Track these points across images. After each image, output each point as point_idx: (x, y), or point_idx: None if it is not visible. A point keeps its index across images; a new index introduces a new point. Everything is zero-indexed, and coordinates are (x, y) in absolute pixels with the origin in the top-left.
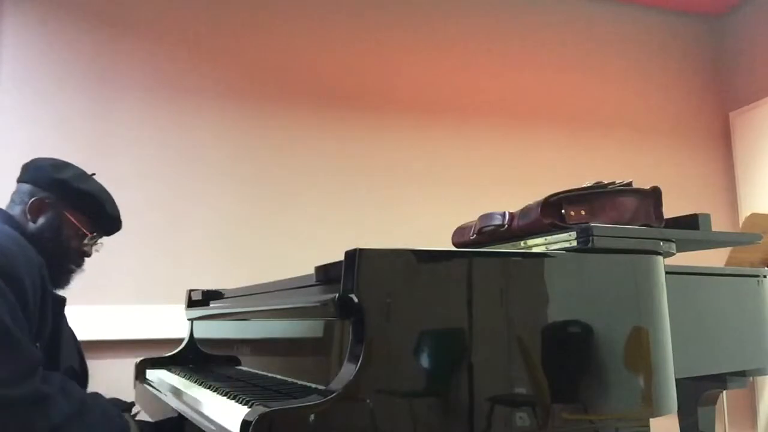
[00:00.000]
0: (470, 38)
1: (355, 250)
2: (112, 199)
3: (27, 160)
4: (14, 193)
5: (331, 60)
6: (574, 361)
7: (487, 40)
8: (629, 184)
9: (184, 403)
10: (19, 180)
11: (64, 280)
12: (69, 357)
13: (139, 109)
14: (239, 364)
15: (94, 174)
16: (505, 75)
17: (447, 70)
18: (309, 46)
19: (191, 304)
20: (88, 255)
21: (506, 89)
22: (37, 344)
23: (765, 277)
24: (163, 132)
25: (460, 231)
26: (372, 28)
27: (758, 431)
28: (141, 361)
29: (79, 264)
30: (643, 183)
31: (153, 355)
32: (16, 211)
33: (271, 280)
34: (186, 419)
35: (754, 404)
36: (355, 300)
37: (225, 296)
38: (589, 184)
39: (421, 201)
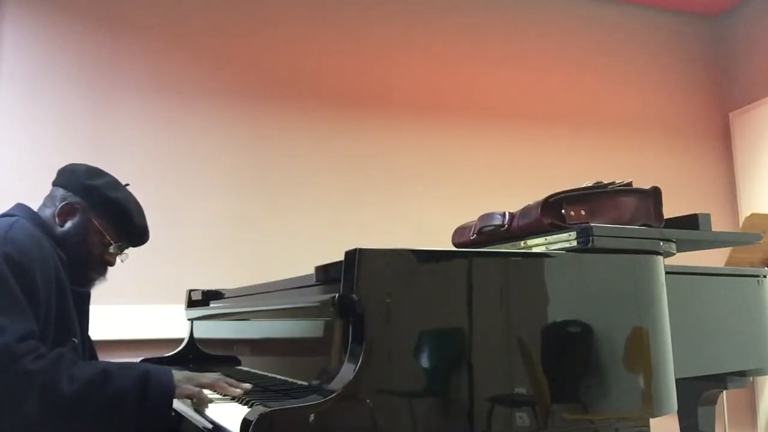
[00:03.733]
0: (470, 38)
1: (355, 250)
2: (141, 211)
3: (27, 159)
4: (47, 197)
5: (332, 60)
6: (574, 361)
7: (488, 40)
8: (629, 184)
9: (184, 402)
10: (54, 183)
11: (84, 286)
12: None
13: (139, 108)
14: (239, 364)
15: (128, 185)
16: (505, 75)
17: (447, 70)
18: (309, 47)
19: (191, 304)
20: (111, 264)
21: (506, 89)
22: (74, 339)
23: (765, 277)
24: (164, 132)
25: (460, 231)
26: (372, 28)
27: (758, 431)
28: (141, 361)
29: (102, 272)
30: (643, 183)
31: (153, 355)
32: (47, 213)
33: (271, 280)
34: (185, 419)
35: (754, 404)
36: (355, 300)
37: (225, 296)
38: (589, 184)
39: (422, 201)
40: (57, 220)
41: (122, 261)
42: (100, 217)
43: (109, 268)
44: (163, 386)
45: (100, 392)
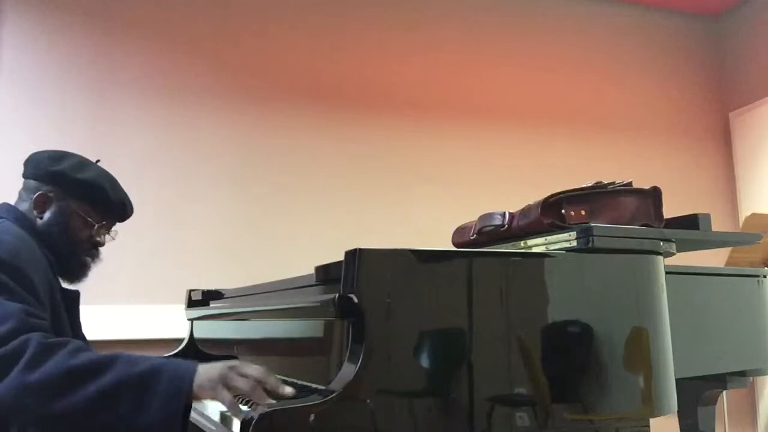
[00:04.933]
0: (470, 38)
1: (355, 249)
2: (116, 184)
3: None
4: (21, 190)
5: (332, 60)
6: (574, 361)
7: (487, 40)
8: (629, 184)
9: None
10: (23, 175)
11: (81, 273)
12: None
13: (139, 109)
14: None
15: (99, 161)
16: (505, 75)
17: (447, 70)
18: (310, 47)
19: (191, 304)
20: (101, 244)
21: (506, 89)
22: None
23: (765, 277)
24: (164, 132)
25: (460, 231)
26: (373, 28)
27: (758, 431)
28: None
29: (94, 255)
30: (643, 183)
31: (153, 356)
32: (24, 207)
33: (271, 280)
34: None
35: (754, 404)
36: (355, 300)
37: (225, 296)
38: (589, 184)
39: (422, 201)
40: (35, 212)
41: (113, 238)
42: (76, 200)
43: (109, 269)
44: (174, 389)
45: (88, 386)
